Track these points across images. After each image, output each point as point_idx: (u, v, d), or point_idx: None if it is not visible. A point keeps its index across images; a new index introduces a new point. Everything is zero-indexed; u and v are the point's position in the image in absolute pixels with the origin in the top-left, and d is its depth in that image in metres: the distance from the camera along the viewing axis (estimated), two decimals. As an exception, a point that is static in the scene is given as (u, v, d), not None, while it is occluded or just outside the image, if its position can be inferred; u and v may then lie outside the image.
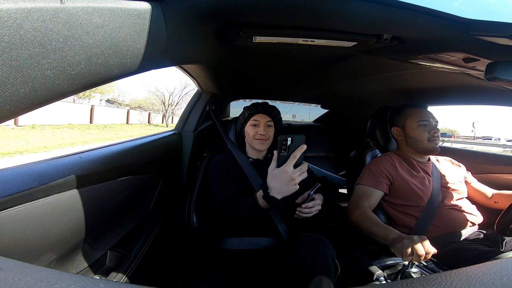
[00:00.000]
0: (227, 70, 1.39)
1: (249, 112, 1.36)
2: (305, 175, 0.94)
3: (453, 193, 1.28)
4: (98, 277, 0.91)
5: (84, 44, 0.41)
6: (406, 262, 0.92)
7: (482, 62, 0.83)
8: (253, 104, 1.38)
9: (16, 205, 0.61)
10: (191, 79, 1.55)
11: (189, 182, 1.49)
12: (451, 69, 1.02)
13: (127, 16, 0.47)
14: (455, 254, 1.08)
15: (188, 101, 1.74)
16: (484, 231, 1.20)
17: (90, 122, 14.42)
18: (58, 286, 0.23)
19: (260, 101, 1.59)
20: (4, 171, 0.64)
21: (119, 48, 0.47)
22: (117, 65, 0.49)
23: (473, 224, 1.22)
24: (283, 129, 1.51)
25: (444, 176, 1.34)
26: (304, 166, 0.94)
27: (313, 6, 0.63)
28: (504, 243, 1.14)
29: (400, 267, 0.99)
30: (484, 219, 1.26)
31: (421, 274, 0.94)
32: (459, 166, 1.45)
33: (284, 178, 0.91)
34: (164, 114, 22.83)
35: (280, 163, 0.93)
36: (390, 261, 1.03)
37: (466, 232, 1.18)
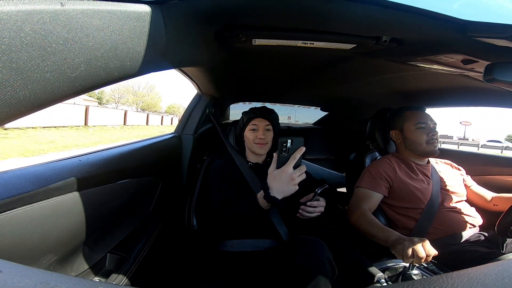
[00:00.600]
0: (227, 72, 1.39)
1: (247, 117, 1.37)
2: (304, 176, 0.95)
3: (453, 195, 1.28)
4: (97, 280, 0.90)
5: (84, 47, 0.41)
6: (407, 264, 0.92)
7: (480, 63, 0.83)
8: (251, 109, 1.39)
9: (15, 208, 0.61)
10: (190, 82, 1.55)
11: (189, 185, 1.49)
12: (450, 70, 1.02)
13: (127, 18, 0.47)
14: (455, 256, 1.08)
15: (188, 104, 1.74)
16: (485, 233, 1.19)
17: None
18: None
19: (259, 104, 1.59)
20: (4, 174, 0.64)
21: (119, 50, 0.48)
22: (117, 67, 0.49)
23: (473, 226, 1.22)
24: (282, 131, 1.51)
25: (444, 179, 1.34)
26: (303, 167, 0.96)
27: (312, 8, 0.63)
28: (505, 244, 1.13)
29: (400, 269, 0.99)
30: (484, 221, 1.26)
31: (422, 276, 0.94)
32: (459, 169, 1.45)
33: (285, 178, 0.93)
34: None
35: (280, 164, 0.95)
36: (390, 263, 1.02)
37: (466, 234, 1.18)
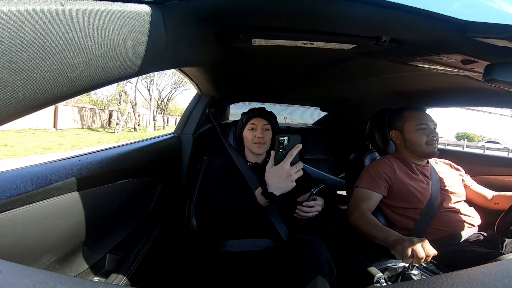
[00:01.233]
0: (227, 73, 1.40)
1: (246, 117, 1.39)
2: (301, 172, 0.97)
3: (452, 196, 1.28)
4: (97, 280, 0.90)
5: (84, 47, 0.41)
6: (407, 264, 0.92)
7: (480, 64, 0.83)
8: (250, 109, 1.41)
9: (15, 208, 0.61)
10: (190, 82, 1.55)
11: (188, 185, 1.49)
12: (450, 71, 1.02)
13: (127, 18, 0.47)
14: (454, 256, 1.08)
15: (188, 104, 1.74)
16: (484, 233, 1.19)
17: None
18: None
19: (259, 104, 1.60)
20: (3, 174, 0.64)
21: (119, 50, 0.48)
22: (116, 67, 0.49)
23: (472, 225, 1.22)
24: (282, 131, 1.51)
25: (443, 179, 1.34)
26: (300, 164, 0.97)
27: (312, 8, 0.64)
28: (504, 244, 1.13)
29: (400, 269, 0.99)
30: (483, 221, 1.26)
31: (422, 276, 0.94)
32: (458, 169, 1.45)
33: (282, 175, 0.95)
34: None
35: (277, 162, 0.97)
36: (390, 263, 1.03)
37: (465, 234, 1.18)
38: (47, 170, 0.72)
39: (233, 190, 1.18)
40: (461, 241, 1.17)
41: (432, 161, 1.42)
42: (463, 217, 1.21)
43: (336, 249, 0.95)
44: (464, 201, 1.32)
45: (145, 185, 1.15)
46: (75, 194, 0.76)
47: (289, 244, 0.97)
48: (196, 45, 0.81)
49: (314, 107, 2.85)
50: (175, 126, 1.70)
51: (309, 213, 1.06)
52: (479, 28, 0.61)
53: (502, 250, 1.13)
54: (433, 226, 1.19)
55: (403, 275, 0.93)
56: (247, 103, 2.55)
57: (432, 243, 0.88)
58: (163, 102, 23.70)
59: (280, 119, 3.14)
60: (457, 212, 1.23)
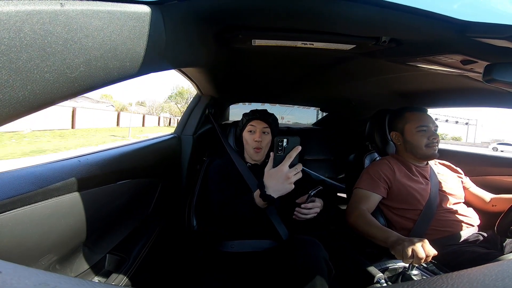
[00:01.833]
0: (227, 73, 1.40)
1: (246, 118, 1.39)
2: (300, 175, 0.96)
3: (451, 197, 1.27)
4: (97, 280, 0.90)
5: (84, 47, 0.41)
6: (407, 265, 0.92)
7: (480, 64, 0.83)
8: (251, 111, 1.41)
9: (15, 208, 0.61)
10: (190, 83, 1.55)
11: (188, 186, 1.49)
12: (449, 71, 1.02)
13: (127, 19, 0.47)
14: (453, 257, 1.08)
15: (188, 104, 1.74)
16: (484, 234, 1.19)
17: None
18: None
19: (259, 104, 1.59)
20: (3, 174, 0.64)
21: (119, 51, 0.48)
22: (116, 68, 0.49)
23: (471, 225, 1.22)
24: (282, 132, 1.51)
25: (442, 180, 1.34)
26: (299, 166, 0.96)
27: (312, 9, 0.64)
28: (504, 245, 1.13)
29: (400, 270, 0.99)
30: (482, 221, 1.26)
31: (422, 276, 0.94)
32: (457, 171, 1.44)
33: (280, 177, 0.94)
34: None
35: (276, 163, 0.96)
36: (390, 264, 1.03)
37: (465, 234, 1.18)
38: (47, 170, 0.72)
39: (233, 190, 1.18)
40: (461, 241, 1.17)
41: (431, 162, 1.42)
42: (462, 218, 1.21)
43: (336, 249, 0.95)
44: (463, 202, 1.32)
45: (145, 186, 1.15)
46: (75, 195, 0.76)
47: (288, 244, 0.97)
48: (196, 45, 0.81)
49: (314, 108, 2.85)
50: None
51: (308, 215, 1.05)
52: (478, 28, 0.61)
53: (502, 250, 1.13)
54: (432, 226, 1.19)
55: (403, 275, 0.93)
56: (247, 103, 2.55)
57: (431, 244, 0.88)
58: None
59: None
60: (456, 213, 1.23)
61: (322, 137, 2.57)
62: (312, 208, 1.06)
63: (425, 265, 1.07)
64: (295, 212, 1.07)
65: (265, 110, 1.41)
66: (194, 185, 1.39)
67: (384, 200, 1.31)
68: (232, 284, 0.94)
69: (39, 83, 0.37)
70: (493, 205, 1.30)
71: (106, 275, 0.93)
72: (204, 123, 1.71)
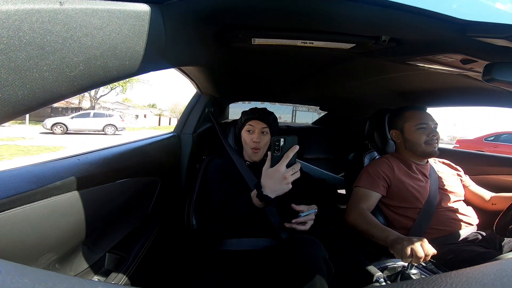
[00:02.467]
0: (226, 72, 1.39)
1: (245, 117, 1.37)
2: (297, 174, 0.96)
3: (450, 195, 1.28)
4: (97, 279, 0.90)
5: (83, 46, 0.41)
6: (406, 264, 0.92)
7: (479, 63, 0.83)
8: (250, 110, 1.39)
9: (14, 207, 0.61)
10: (190, 81, 1.55)
11: (188, 185, 1.49)
12: (449, 70, 1.02)
13: (126, 18, 0.47)
14: (452, 256, 1.08)
15: (187, 103, 1.74)
16: (483, 233, 1.20)
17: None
18: None
19: (258, 103, 1.59)
20: (2, 173, 0.64)
21: (118, 50, 0.47)
22: (116, 67, 0.49)
23: (470, 224, 1.22)
24: (282, 130, 1.51)
25: (442, 178, 1.34)
26: (297, 166, 0.96)
27: (311, 8, 0.64)
28: (502, 244, 1.14)
29: (399, 269, 0.99)
30: (481, 220, 1.26)
31: (421, 276, 0.94)
32: (457, 169, 1.45)
33: (277, 177, 0.94)
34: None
35: (273, 163, 0.96)
36: (389, 263, 1.03)
37: (463, 233, 1.18)
38: (46, 169, 0.72)
39: (233, 189, 1.18)
40: (459, 240, 1.17)
41: (431, 160, 1.42)
42: (461, 216, 1.22)
43: (335, 249, 0.95)
44: (463, 200, 1.32)
45: (144, 184, 1.14)
46: (75, 194, 0.76)
47: (287, 243, 0.97)
48: (196, 44, 0.81)
49: (313, 111, 2.85)
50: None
51: (304, 226, 1.04)
52: (478, 28, 0.61)
53: (500, 249, 1.13)
54: (432, 225, 1.20)
55: (402, 274, 0.93)
56: (246, 102, 2.55)
57: (430, 242, 0.88)
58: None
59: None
60: (456, 211, 1.23)
61: (322, 136, 2.57)
62: (306, 221, 1.03)
63: (424, 264, 1.08)
64: (293, 226, 1.04)
65: (265, 109, 1.40)
66: (194, 184, 1.39)
67: (383, 198, 1.31)
68: (232, 284, 0.94)
69: (38, 82, 0.37)
70: (492, 204, 1.30)
71: (106, 274, 0.93)
72: (204, 122, 1.71)
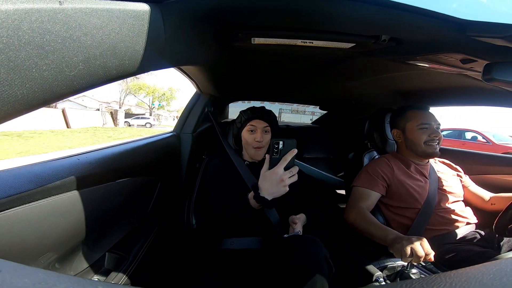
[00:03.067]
0: (226, 71, 1.39)
1: (246, 117, 1.35)
2: (295, 177, 0.96)
3: (449, 196, 1.28)
4: (96, 279, 0.90)
5: (83, 45, 0.41)
6: (405, 263, 0.92)
7: (479, 63, 0.83)
8: (250, 109, 1.37)
9: (14, 207, 0.61)
10: (189, 81, 1.55)
11: (188, 184, 1.49)
12: (449, 70, 1.02)
13: (126, 17, 0.47)
14: (450, 255, 1.08)
15: (187, 103, 1.74)
16: (481, 232, 1.20)
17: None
18: None
19: (258, 103, 1.58)
20: (1, 173, 0.64)
21: (118, 49, 0.47)
22: (115, 66, 0.49)
23: (469, 224, 1.22)
24: (281, 130, 1.51)
25: (441, 178, 1.33)
26: (295, 169, 0.97)
27: (311, 7, 0.63)
28: (501, 244, 1.14)
29: (399, 268, 0.99)
30: (479, 220, 1.27)
31: (420, 275, 0.94)
32: (457, 169, 1.44)
33: (274, 180, 0.94)
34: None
35: (271, 166, 0.96)
36: (389, 262, 1.03)
37: (461, 232, 1.19)
38: (46, 169, 0.71)
39: (232, 189, 1.18)
40: (457, 239, 1.17)
41: (431, 160, 1.42)
42: (459, 217, 1.22)
43: (335, 249, 0.95)
44: (462, 201, 1.32)
45: (144, 184, 1.14)
46: (75, 193, 0.76)
47: (288, 242, 0.97)
48: (195, 43, 0.81)
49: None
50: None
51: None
52: (478, 27, 0.61)
53: (499, 249, 1.14)
54: (430, 225, 1.20)
55: (402, 274, 0.93)
56: (246, 101, 2.54)
57: (429, 242, 0.88)
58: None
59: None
60: (454, 211, 1.23)
61: (321, 135, 2.57)
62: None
63: (423, 264, 1.08)
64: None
65: (264, 108, 1.39)
66: (193, 184, 1.39)
67: (382, 198, 1.31)
68: (232, 284, 0.94)
69: (37, 81, 0.37)
70: (492, 204, 1.30)
71: (106, 273, 0.93)
72: (204, 122, 1.71)
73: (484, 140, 8.91)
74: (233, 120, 1.78)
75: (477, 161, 1.66)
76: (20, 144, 8.23)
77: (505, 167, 1.53)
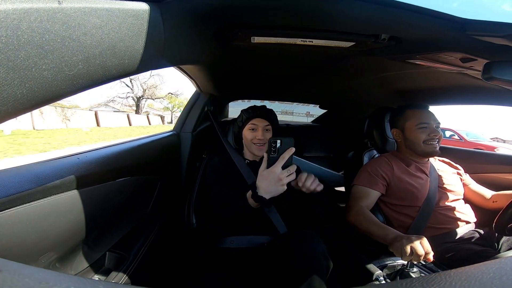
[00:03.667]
0: (226, 70, 1.39)
1: (247, 115, 1.36)
2: (293, 176, 0.96)
3: (449, 194, 1.27)
4: (97, 278, 0.90)
5: (82, 45, 0.41)
6: (405, 262, 0.92)
7: (479, 62, 0.83)
8: (251, 108, 1.37)
9: (14, 206, 0.61)
10: (189, 80, 1.55)
11: (188, 183, 1.49)
12: (449, 69, 1.02)
13: (125, 16, 0.47)
14: (449, 254, 1.08)
15: (187, 102, 1.74)
16: (480, 231, 1.20)
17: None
18: (57, 287, 0.23)
19: (258, 102, 1.58)
20: (2, 172, 0.64)
21: (117, 48, 0.47)
22: (115, 65, 0.49)
23: (468, 223, 1.22)
24: (281, 129, 1.51)
25: (442, 177, 1.33)
26: (293, 167, 0.96)
27: (311, 6, 0.63)
28: (501, 243, 1.14)
29: (399, 267, 1.00)
30: (479, 219, 1.26)
31: (420, 274, 0.95)
32: (457, 168, 1.44)
33: (272, 179, 0.94)
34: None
35: (269, 165, 0.96)
36: (389, 261, 1.03)
37: (461, 231, 1.19)
38: (46, 168, 0.71)
39: (232, 188, 1.18)
40: (456, 238, 1.17)
41: (431, 158, 1.42)
42: (459, 215, 1.22)
43: (336, 248, 0.95)
44: (462, 199, 1.32)
45: (144, 183, 1.15)
46: (75, 193, 0.76)
47: (286, 238, 0.98)
48: (195, 43, 0.81)
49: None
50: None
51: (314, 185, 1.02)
52: (478, 26, 0.61)
53: (498, 248, 1.14)
54: (430, 224, 1.20)
55: (402, 272, 0.93)
56: (246, 100, 2.54)
57: (429, 241, 0.88)
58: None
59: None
60: (454, 210, 1.23)
61: (321, 134, 2.57)
62: (311, 184, 1.02)
63: (423, 263, 1.08)
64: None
65: (265, 107, 1.40)
66: (194, 183, 1.39)
67: (382, 197, 1.31)
68: (232, 283, 0.94)
69: (37, 81, 0.37)
70: (494, 201, 1.30)
71: (106, 273, 0.93)
72: (203, 121, 1.70)
73: (458, 138, 10.20)
74: (233, 119, 1.78)
75: (477, 159, 1.65)
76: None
77: (505, 166, 1.53)
